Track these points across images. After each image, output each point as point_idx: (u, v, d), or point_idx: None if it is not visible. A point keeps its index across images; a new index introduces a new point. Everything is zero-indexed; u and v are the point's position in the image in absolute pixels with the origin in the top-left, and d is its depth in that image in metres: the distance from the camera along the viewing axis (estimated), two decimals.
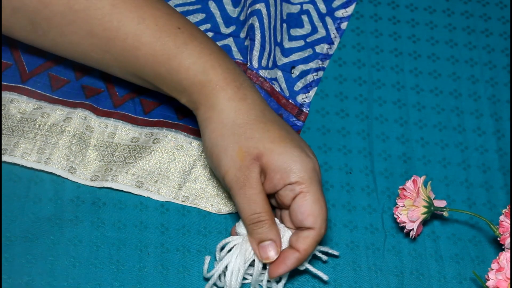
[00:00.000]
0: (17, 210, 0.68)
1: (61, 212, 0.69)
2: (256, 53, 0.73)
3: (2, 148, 0.70)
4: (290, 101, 0.75)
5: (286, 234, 0.64)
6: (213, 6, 0.78)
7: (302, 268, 0.66)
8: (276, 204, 0.66)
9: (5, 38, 0.74)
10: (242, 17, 0.77)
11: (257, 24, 0.74)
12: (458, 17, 0.81)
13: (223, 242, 0.65)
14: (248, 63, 0.73)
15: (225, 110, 0.63)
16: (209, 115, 0.63)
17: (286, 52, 0.77)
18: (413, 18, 0.81)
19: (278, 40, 0.76)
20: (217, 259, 0.66)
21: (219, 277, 0.65)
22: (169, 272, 0.67)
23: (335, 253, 0.68)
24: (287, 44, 0.77)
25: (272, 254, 0.63)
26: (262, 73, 0.73)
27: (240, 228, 0.65)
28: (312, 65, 0.77)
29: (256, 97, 0.64)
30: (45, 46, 0.68)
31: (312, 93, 0.76)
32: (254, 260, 0.64)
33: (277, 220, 0.65)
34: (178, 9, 0.77)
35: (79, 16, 0.64)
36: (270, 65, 0.74)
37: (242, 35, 0.76)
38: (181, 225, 0.69)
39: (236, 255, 0.64)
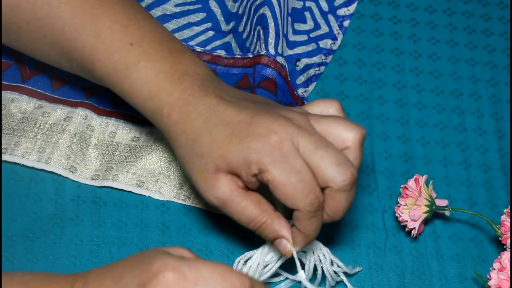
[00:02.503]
0: (17, 209, 0.68)
1: (61, 211, 0.69)
2: (272, 40, 0.73)
3: (2, 147, 0.70)
4: (295, 92, 0.75)
5: None
6: (213, 5, 0.78)
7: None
8: None
9: None
10: (240, 11, 0.77)
11: (269, 14, 0.73)
12: (459, 17, 0.81)
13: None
14: (265, 50, 0.72)
15: (177, 137, 0.60)
16: (172, 143, 0.61)
17: (290, 45, 0.77)
18: (414, 17, 0.81)
19: (285, 32, 0.76)
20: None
21: None
22: None
23: (358, 269, 0.68)
24: (292, 37, 0.77)
25: (288, 248, 0.60)
26: (279, 59, 0.73)
27: None
28: (316, 59, 0.77)
29: (201, 104, 0.60)
30: (21, 51, 0.68)
31: (311, 87, 0.76)
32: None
33: None
34: (179, 8, 0.77)
35: (43, 23, 0.63)
36: (283, 53, 0.74)
37: (240, 28, 0.76)
38: (182, 224, 0.69)
39: (256, 254, 0.64)
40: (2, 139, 0.70)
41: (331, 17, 0.80)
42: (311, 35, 0.78)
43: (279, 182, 0.57)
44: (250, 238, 0.69)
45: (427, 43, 0.80)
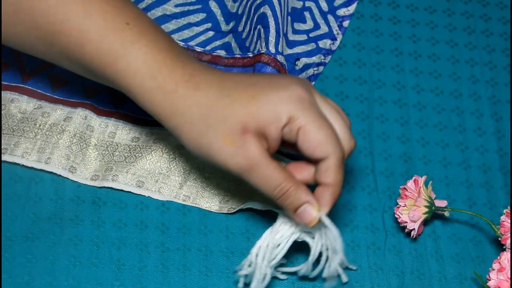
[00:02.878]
0: (17, 209, 0.68)
1: (61, 212, 0.69)
2: (272, 39, 0.73)
3: (2, 147, 0.70)
4: None
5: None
6: (213, 5, 0.78)
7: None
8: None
9: None
10: (240, 11, 0.77)
11: (269, 13, 0.73)
12: (459, 17, 0.81)
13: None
14: (265, 49, 0.72)
15: (187, 111, 0.58)
16: (175, 123, 0.59)
17: (290, 44, 0.77)
18: (414, 18, 0.81)
19: (284, 31, 0.76)
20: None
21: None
22: (170, 271, 0.67)
23: (353, 267, 0.68)
24: (291, 37, 0.77)
25: (313, 214, 0.59)
26: (279, 58, 0.73)
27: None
28: (315, 59, 0.77)
29: (208, 75, 0.59)
30: None
31: None
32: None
33: None
34: (179, 9, 0.77)
35: (23, 7, 0.60)
36: (283, 52, 0.74)
37: (240, 28, 0.76)
38: (182, 224, 0.69)
39: (266, 233, 0.62)
40: (2, 139, 0.70)
41: (330, 17, 0.79)
42: (310, 35, 0.78)
43: (312, 128, 0.57)
44: (250, 238, 0.69)
45: (426, 43, 0.80)
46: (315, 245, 0.63)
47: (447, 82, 0.78)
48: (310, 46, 0.78)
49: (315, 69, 0.77)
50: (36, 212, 0.68)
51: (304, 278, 0.68)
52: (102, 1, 0.60)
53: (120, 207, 0.69)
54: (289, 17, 0.77)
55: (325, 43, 0.78)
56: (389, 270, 0.69)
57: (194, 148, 0.59)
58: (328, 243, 0.63)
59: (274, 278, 0.68)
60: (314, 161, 0.60)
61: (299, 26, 0.78)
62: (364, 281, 0.69)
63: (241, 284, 0.64)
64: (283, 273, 0.67)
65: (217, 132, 0.57)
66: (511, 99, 0.78)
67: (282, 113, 0.57)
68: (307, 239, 0.63)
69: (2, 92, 0.72)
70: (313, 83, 0.76)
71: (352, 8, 0.80)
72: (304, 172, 0.61)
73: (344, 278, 0.66)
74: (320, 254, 0.64)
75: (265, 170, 0.57)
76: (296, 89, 0.58)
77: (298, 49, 0.77)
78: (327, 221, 0.60)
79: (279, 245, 0.63)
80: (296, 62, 0.76)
